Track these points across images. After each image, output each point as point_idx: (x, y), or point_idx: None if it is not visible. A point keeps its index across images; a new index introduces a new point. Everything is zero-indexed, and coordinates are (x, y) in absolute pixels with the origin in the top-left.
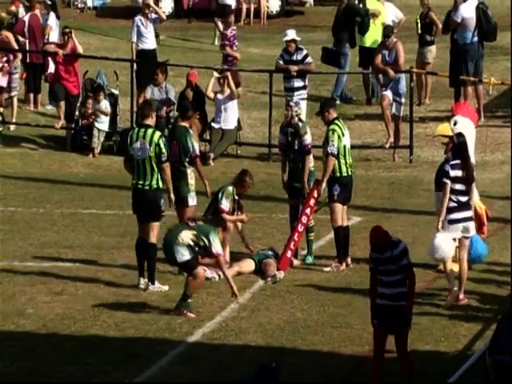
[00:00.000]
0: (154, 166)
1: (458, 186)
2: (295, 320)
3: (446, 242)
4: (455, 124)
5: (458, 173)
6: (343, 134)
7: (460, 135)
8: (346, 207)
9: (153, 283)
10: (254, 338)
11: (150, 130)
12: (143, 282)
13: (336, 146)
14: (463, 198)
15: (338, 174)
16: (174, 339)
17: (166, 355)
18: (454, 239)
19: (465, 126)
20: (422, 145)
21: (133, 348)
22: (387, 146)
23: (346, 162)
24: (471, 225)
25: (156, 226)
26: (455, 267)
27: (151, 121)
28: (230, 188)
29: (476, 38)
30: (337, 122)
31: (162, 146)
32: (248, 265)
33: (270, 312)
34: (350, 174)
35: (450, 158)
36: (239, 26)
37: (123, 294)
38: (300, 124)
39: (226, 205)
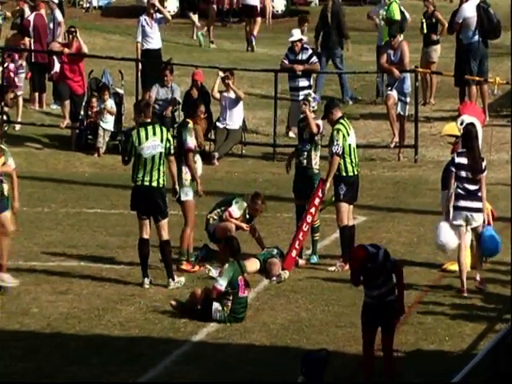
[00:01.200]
0: (163, 161)
1: (464, 174)
2: (300, 319)
3: (447, 232)
4: (462, 124)
5: (463, 160)
6: (348, 134)
7: (470, 124)
8: (352, 207)
9: (173, 279)
10: (259, 337)
11: (157, 127)
12: (147, 281)
13: (341, 145)
14: (471, 187)
15: (344, 174)
16: (178, 338)
17: (171, 354)
18: (458, 228)
19: None
20: (427, 144)
21: (137, 347)
22: (392, 145)
23: (351, 162)
24: (477, 216)
25: (166, 223)
26: (456, 267)
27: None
28: (245, 204)
29: (477, 37)
30: (342, 121)
31: (171, 139)
32: (253, 264)
33: (275, 311)
34: (355, 173)
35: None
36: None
37: (128, 294)
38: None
39: (235, 211)
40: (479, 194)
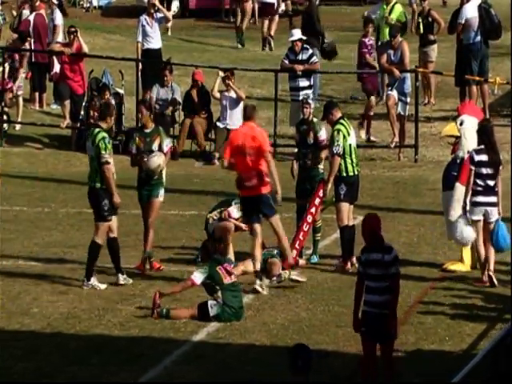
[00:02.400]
0: (97, 166)
1: (484, 170)
2: (300, 319)
3: (466, 227)
4: (461, 124)
5: (483, 157)
6: (348, 134)
7: (486, 120)
8: (352, 206)
9: (88, 280)
10: (259, 337)
11: (95, 131)
12: (122, 278)
13: (341, 145)
14: (491, 182)
15: (345, 174)
16: (178, 338)
17: (171, 354)
18: (476, 222)
19: (471, 125)
20: (427, 144)
21: (137, 347)
22: (392, 145)
23: (352, 162)
24: (494, 210)
25: (100, 226)
26: (460, 266)
27: (104, 123)
28: None
29: (479, 38)
30: (342, 121)
31: (101, 146)
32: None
33: (275, 311)
34: (356, 173)
35: (457, 157)
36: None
37: (128, 294)
38: (315, 120)
39: (234, 212)
40: (496, 189)
